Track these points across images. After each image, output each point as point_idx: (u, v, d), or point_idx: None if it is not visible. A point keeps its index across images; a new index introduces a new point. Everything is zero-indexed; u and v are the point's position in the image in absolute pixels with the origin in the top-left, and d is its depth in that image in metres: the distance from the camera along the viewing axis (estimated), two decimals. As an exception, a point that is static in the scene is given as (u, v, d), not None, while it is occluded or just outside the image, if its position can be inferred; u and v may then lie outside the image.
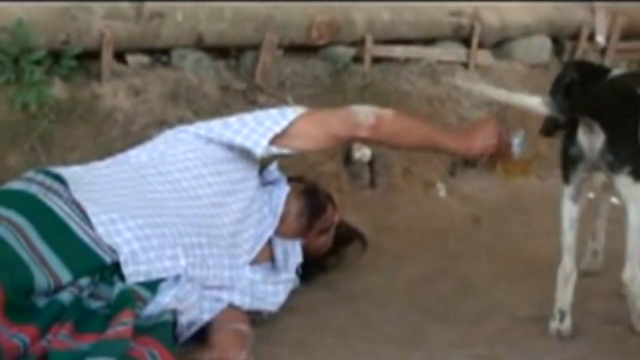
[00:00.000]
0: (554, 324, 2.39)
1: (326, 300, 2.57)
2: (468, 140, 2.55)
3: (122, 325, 1.82)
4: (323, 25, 3.67)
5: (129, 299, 1.94)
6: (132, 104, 3.07)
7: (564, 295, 2.38)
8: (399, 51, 4.01)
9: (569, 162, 2.34)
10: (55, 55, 2.98)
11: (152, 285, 2.08)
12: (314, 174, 3.39)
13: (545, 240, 3.12)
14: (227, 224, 2.36)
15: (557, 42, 4.96)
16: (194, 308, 2.12)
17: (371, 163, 3.61)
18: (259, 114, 2.51)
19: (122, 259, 2.04)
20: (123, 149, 2.68)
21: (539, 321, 2.47)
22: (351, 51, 3.81)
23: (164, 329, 1.97)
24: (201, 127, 2.52)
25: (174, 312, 2.04)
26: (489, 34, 4.43)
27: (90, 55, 3.09)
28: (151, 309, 2.04)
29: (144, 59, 3.24)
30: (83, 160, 2.73)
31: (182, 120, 3.08)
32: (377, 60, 3.93)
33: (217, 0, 3.38)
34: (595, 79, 2.44)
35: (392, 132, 2.51)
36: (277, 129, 2.41)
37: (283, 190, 2.54)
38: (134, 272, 2.05)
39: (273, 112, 2.52)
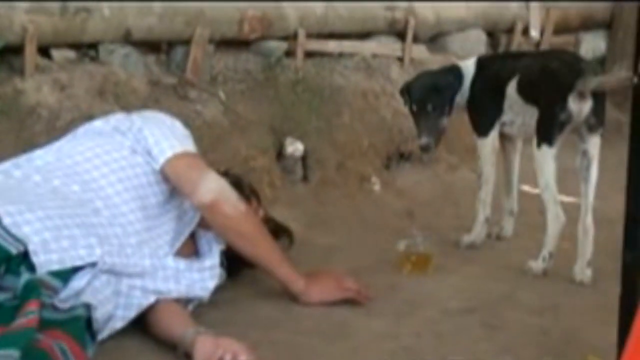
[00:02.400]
0: (540, 264, 2.76)
1: (251, 295, 2.51)
2: (307, 285, 2.42)
3: (27, 316, 1.75)
4: (255, 20, 3.62)
5: (34, 289, 1.85)
6: (57, 99, 2.98)
7: (556, 241, 2.75)
8: (332, 45, 3.97)
9: (558, 127, 2.71)
10: (-24, 50, 2.89)
11: (65, 274, 1.99)
12: (246, 168, 3.33)
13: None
14: (141, 218, 2.29)
15: (493, 36, 4.98)
16: (108, 301, 2.04)
17: (304, 158, 3.57)
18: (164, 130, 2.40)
19: (31, 248, 1.95)
20: (47, 144, 2.59)
21: (469, 313, 2.45)
22: (283, 45, 3.76)
23: (76, 323, 1.89)
24: (110, 120, 2.44)
25: (88, 307, 1.96)
26: (424, 28, 4.42)
27: (14, 50, 2.99)
28: (66, 294, 1.95)
29: (70, 54, 3.15)
30: (4, 155, 2.63)
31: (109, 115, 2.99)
32: (310, 54, 3.88)
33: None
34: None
35: (224, 225, 2.33)
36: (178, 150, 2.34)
37: None
38: (45, 261, 1.95)
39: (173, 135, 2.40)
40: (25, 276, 1.90)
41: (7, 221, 1.96)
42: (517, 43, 4.97)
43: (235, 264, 2.54)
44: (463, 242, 3.07)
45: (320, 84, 3.81)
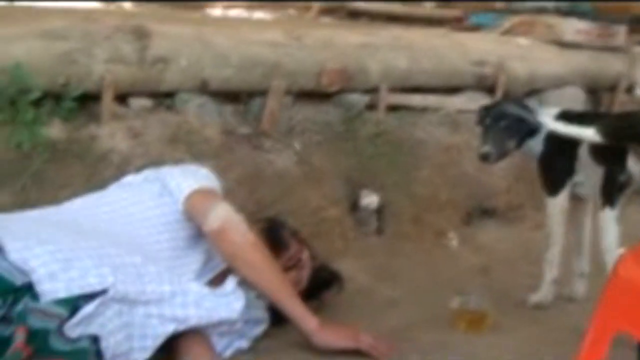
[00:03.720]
0: None
1: (293, 345, 2.43)
2: (320, 327, 2.34)
3: (15, 342, 1.76)
4: (334, 73, 3.60)
5: (20, 316, 1.85)
6: (129, 145, 3.03)
7: None
8: (416, 99, 3.90)
9: (618, 188, 2.66)
10: (56, 97, 2.98)
11: (72, 302, 1.96)
12: (316, 219, 3.30)
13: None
14: (166, 248, 2.29)
15: (594, 94, 4.81)
16: (118, 331, 2.01)
17: (379, 210, 3.50)
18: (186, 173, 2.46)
19: (34, 277, 1.93)
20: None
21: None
22: (365, 98, 3.72)
23: (79, 355, 1.87)
24: (141, 174, 2.54)
25: (95, 340, 1.95)
26: (516, 84, 4.30)
27: (93, 98, 3.08)
28: (74, 321, 1.93)
29: (147, 102, 3.20)
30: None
31: (179, 163, 3.02)
32: (393, 108, 3.83)
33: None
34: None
35: (230, 253, 2.30)
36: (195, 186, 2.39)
37: None
38: (50, 290, 1.93)
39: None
40: (19, 306, 1.90)
41: (13, 256, 1.96)
42: (620, 101, 4.78)
43: (276, 316, 2.49)
44: (530, 302, 2.93)
45: (401, 137, 3.75)
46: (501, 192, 3.85)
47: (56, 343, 1.86)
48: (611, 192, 2.66)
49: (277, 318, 2.48)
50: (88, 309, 1.96)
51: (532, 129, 2.88)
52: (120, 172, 2.96)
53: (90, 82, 3.02)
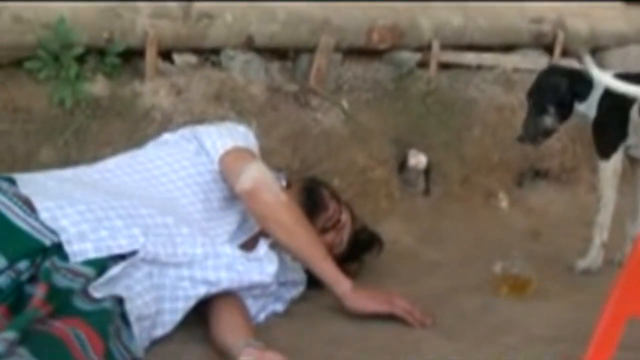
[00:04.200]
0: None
1: (329, 309, 2.36)
2: (354, 289, 2.25)
3: (33, 299, 1.73)
4: (385, 30, 3.49)
5: (46, 274, 1.81)
6: (172, 102, 2.98)
7: None
8: (470, 57, 3.78)
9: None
10: (100, 53, 2.94)
11: (101, 262, 1.92)
12: (363, 180, 3.22)
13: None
14: (201, 209, 2.23)
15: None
16: (147, 293, 1.97)
17: (427, 171, 3.41)
18: (222, 131, 2.39)
19: (64, 237, 1.89)
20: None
21: (553, 343, 2.21)
22: (416, 56, 3.61)
23: (100, 316, 1.81)
24: (178, 132, 2.48)
25: (120, 301, 1.91)
26: (576, 42, 4.13)
27: (136, 54, 3.03)
28: (100, 282, 1.88)
29: (192, 58, 3.14)
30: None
31: (223, 121, 2.97)
32: (445, 66, 3.72)
33: (270, 0, 3.28)
34: None
35: (262, 213, 2.22)
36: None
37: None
38: (79, 250, 1.89)
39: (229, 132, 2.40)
40: (45, 264, 1.86)
41: (44, 215, 1.93)
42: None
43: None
44: (578, 267, 2.82)
45: (453, 96, 3.63)
46: (555, 154, 3.71)
47: (79, 302, 1.82)
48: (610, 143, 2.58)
49: (316, 280, 2.42)
50: (115, 270, 1.92)
51: (574, 94, 2.79)
52: (162, 129, 2.92)
53: (133, 38, 2.98)
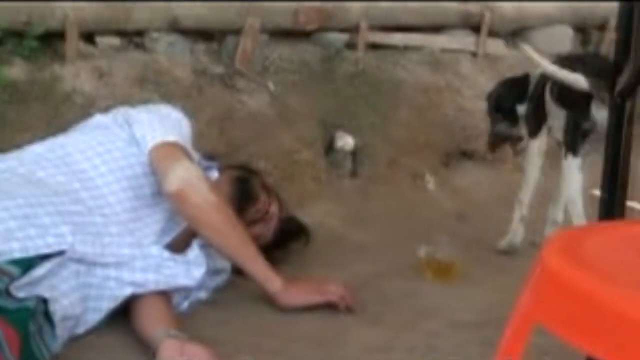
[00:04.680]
0: None
1: (255, 297, 2.34)
2: (285, 286, 2.21)
3: None
4: (312, 11, 3.45)
5: None
6: (95, 86, 2.90)
7: None
8: (397, 38, 3.76)
9: (581, 136, 2.56)
10: (18, 36, 2.85)
11: (27, 262, 1.86)
12: (289, 162, 3.19)
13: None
14: (128, 208, 2.18)
15: (584, 33, 4.65)
16: (73, 292, 1.92)
17: (354, 153, 3.39)
18: (153, 120, 2.30)
19: None
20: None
21: (476, 328, 2.22)
22: (344, 37, 3.58)
23: (20, 313, 1.75)
24: (111, 113, 2.36)
25: (44, 301, 1.86)
26: (502, 22, 4.14)
27: (57, 37, 2.94)
28: (22, 282, 1.82)
29: (115, 41, 3.07)
30: (34, 142, 2.58)
31: (147, 104, 2.90)
32: (373, 47, 3.69)
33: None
34: None
35: (191, 215, 2.17)
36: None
37: (211, 177, 2.36)
38: (5, 250, 1.83)
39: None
40: None
41: None
42: (609, 40, 4.62)
43: None
44: (500, 246, 2.86)
45: (381, 77, 3.61)
46: (482, 134, 3.70)
47: (1, 301, 1.76)
48: (574, 139, 2.58)
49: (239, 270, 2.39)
50: (39, 272, 1.86)
51: (510, 99, 2.93)
52: (84, 114, 2.83)
53: (53, 20, 2.90)
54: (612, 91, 1.51)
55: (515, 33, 4.29)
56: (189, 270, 2.20)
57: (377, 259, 2.75)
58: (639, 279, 0.88)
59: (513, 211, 2.87)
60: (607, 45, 4.55)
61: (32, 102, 2.79)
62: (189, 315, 2.25)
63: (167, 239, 2.25)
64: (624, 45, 1.54)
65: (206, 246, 2.27)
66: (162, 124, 2.27)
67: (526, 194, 2.85)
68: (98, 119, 2.36)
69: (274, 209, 2.48)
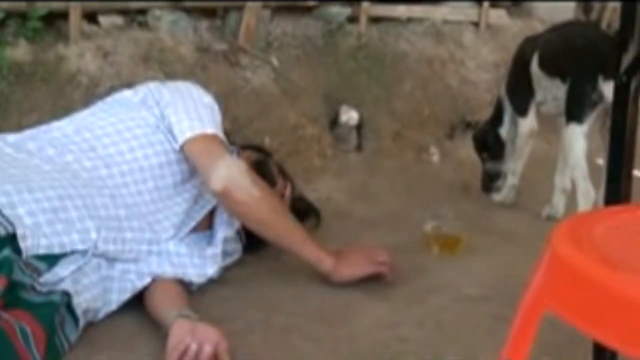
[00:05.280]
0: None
1: (263, 274, 2.36)
2: (336, 263, 2.24)
3: None
4: (314, -15, 3.45)
5: (5, 265, 1.75)
6: (99, 65, 2.90)
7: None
8: (400, 10, 3.75)
9: (589, 106, 2.61)
10: (22, 17, 2.84)
11: (52, 258, 1.90)
12: (294, 137, 3.19)
13: (524, 213, 2.91)
14: (148, 201, 2.17)
15: (586, 1, 4.64)
16: (94, 286, 1.94)
17: (359, 127, 3.39)
18: (189, 107, 2.24)
19: (20, 232, 1.85)
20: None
21: (483, 302, 2.23)
22: (346, 11, 3.57)
23: (46, 308, 1.78)
24: (140, 91, 2.28)
25: (67, 295, 1.88)
26: (505, -7, 4.13)
27: (60, 17, 2.94)
28: (47, 278, 1.86)
29: (118, 20, 3.07)
30: (40, 123, 2.58)
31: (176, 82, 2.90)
32: (375, 20, 3.68)
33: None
34: None
35: (239, 212, 2.19)
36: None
37: None
38: (32, 246, 1.86)
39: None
40: (4, 253, 1.82)
41: (2, 200, 1.86)
42: (612, 8, 4.60)
43: (253, 240, 2.41)
44: (495, 199, 3.07)
45: (383, 50, 3.61)
46: (485, 105, 3.72)
47: (26, 295, 1.78)
48: (581, 108, 2.62)
49: (250, 246, 2.41)
50: (64, 271, 1.89)
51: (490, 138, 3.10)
52: (89, 94, 2.86)
53: (56, 0, 2.88)
54: (617, 69, 1.50)
55: (517, 2, 4.28)
56: (203, 268, 2.23)
57: (384, 234, 2.76)
58: (647, 265, 0.89)
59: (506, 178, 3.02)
60: (610, 13, 4.54)
61: (37, 83, 2.79)
62: (199, 292, 2.27)
63: (187, 229, 2.26)
64: (627, 21, 1.53)
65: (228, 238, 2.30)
66: (198, 112, 2.21)
67: (517, 166, 3.00)
68: (126, 95, 2.29)
69: (288, 192, 2.50)
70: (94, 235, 1.99)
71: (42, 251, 1.89)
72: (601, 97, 2.57)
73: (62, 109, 2.76)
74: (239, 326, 2.06)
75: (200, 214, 2.31)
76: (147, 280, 2.12)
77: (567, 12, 4.39)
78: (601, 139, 2.72)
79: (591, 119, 2.65)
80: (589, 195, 2.65)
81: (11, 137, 2.15)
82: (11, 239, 1.86)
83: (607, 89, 2.54)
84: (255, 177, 2.22)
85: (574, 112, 2.63)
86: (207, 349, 1.81)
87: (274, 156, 2.60)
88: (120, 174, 2.15)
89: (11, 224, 1.86)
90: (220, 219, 2.35)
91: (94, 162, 2.14)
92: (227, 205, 2.20)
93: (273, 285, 2.31)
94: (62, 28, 2.94)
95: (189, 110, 2.22)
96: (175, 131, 2.20)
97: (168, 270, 2.17)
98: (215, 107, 2.32)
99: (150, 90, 2.28)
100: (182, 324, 1.90)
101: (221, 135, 2.25)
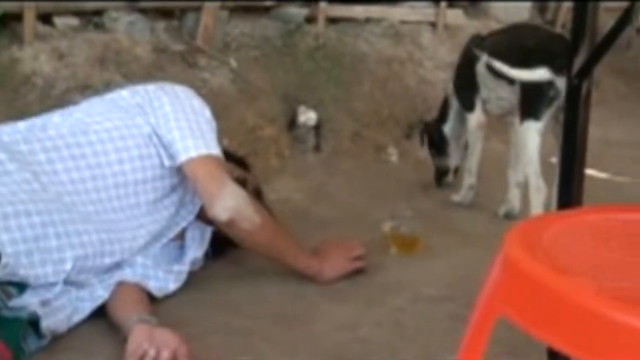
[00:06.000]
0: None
1: (227, 276, 2.36)
2: (320, 266, 2.33)
3: None
4: (271, -15, 3.45)
5: None
6: (54, 67, 2.88)
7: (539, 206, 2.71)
8: (358, 11, 3.76)
9: (546, 103, 2.69)
10: (-25, 19, 2.81)
11: (24, 286, 1.92)
12: (253, 138, 3.20)
13: (482, 212, 2.95)
14: (130, 217, 2.17)
15: (541, 2, 4.69)
16: (55, 315, 1.93)
17: (318, 127, 3.40)
18: (192, 123, 2.20)
19: (3, 261, 1.86)
20: (39, 114, 2.48)
21: (442, 302, 2.25)
22: (304, 11, 3.58)
23: (12, 326, 1.79)
24: (137, 94, 2.23)
25: (34, 314, 1.86)
26: (459, -6, 4.17)
27: (14, 18, 2.91)
28: (15, 302, 1.87)
29: (74, 21, 3.04)
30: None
31: (109, 85, 2.89)
32: (333, 20, 3.69)
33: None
34: None
35: (240, 239, 2.24)
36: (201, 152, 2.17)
37: None
38: (10, 274, 1.88)
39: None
40: None
41: None
42: (567, 8, 4.67)
43: (219, 243, 2.41)
44: (452, 199, 3.09)
45: (342, 50, 3.62)
46: (443, 105, 3.75)
47: None
48: (537, 106, 2.70)
49: (213, 252, 2.42)
50: (31, 300, 1.89)
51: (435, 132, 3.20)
52: (44, 95, 2.84)
53: (10, 2, 2.85)
54: (569, 71, 1.53)
55: (474, 2, 4.32)
56: (166, 283, 2.22)
57: (342, 234, 2.76)
58: (597, 269, 0.91)
59: (462, 178, 3.08)
60: (565, 14, 4.60)
61: (-9, 86, 2.76)
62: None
63: (158, 245, 2.26)
64: (579, 25, 1.55)
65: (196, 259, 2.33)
66: (201, 129, 2.18)
67: (472, 163, 3.04)
68: (123, 95, 2.23)
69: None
70: (68, 267, 2.00)
71: (16, 279, 1.91)
72: (557, 93, 2.64)
73: (17, 111, 2.73)
74: (198, 329, 2.06)
75: (174, 232, 2.31)
76: (112, 288, 2.12)
77: (522, 12, 4.44)
78: (554, 137, 2.76)
79: (547, 116, 2.72)
80: (540, 191, 2.70)
81: (6, 133, 2.11)
82: None
83: (561, 84, 2.61)
84: (255, 203, 2.25)
85: (531, 109, 2.69)
86: (165, 355, 1.81)
87: (253, 170, 2.58)
88: (105, 188, 2.14)
89: None
90: (193, 235, 2.35)
91: (81, 173, 2.11)
92: (230, 232, 2.22)
93: (233, 288, 2.32)
94: (16, 29, 2.92)
95: (192, 127, 2.18)
96: (176, 147, 2.16)
97: (130, 277, 2.17)
98: (213, 121, 2.29)
99: (148, 94, 2.23)
100: (141, 329, 1.90)
101: (222, 155, 2.24)
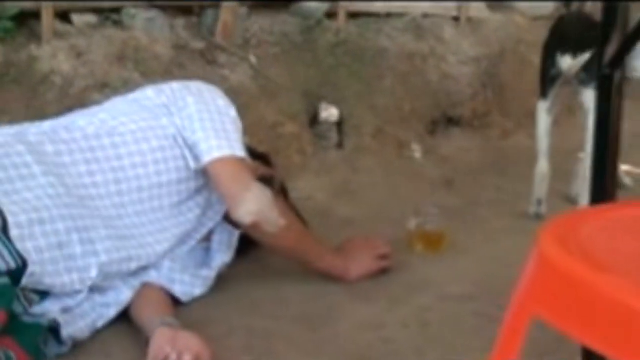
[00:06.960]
0: (533, 209, 2.86)
1: (247, 276, 2.32)
2: (345, 266, 2.30)
3: None
4: (291, -20, 3.41)
5: (5, 295, 1.75)
6: (73, 66, 2.85)
7: (541, 189, 2.85)
8: (378, 6, 3.72)
9: (549, 80, 2.85)
10: (-7, 17, 2.79)
11: (46, 293, 1.91)
12: (274, 136, 3.16)
13: (510, 206, 2.90)
14: (154, 220, 2.14)
15: (566, -7, 4.62)
16: (76, 322, 1.91)
17: (339, 123, 3.36)
18: (216, 124, 2.16)
19: (30, 269, 1.84)
20: (58, 113, 2.46)
21: (468, 301, 2.21)
22: (324, 6, 3.54)
23: (32, 332, 1.77)
24: (163, 94, 2.19)
25: (54, 321, 1.84)
26: (484, -15, 4.11)
27: (32, 16, 2.89)
28: (36, 310, 1.86)
29: (91, 18, 3.02)
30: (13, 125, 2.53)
31: (127, 83, 2.87)
32: (354, 15, 3.65)
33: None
34: None
35: (264, 241, 2.22)
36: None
37: None
38: (34, 282, 1.86)
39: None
40: (4, 281, 1.79)
41: (14, 233, 1.84)
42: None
43: (242, 243, 2.37)
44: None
45: (363, 46, 3.57)
46: (467, 100, 3.71)
47: (15, 322, 1.76)
48: (542, 84, 2.85)
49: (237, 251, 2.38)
50: (53, 308, 1.88)
51: None
52: (63, 94, 2.82)
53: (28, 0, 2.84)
54: (600, 60, 1.48)
55: (497, -5, 4.26)
56: (192, 288, 2.20)
57: (366, 232, 2.72)
58: (635, 265, 0.86)
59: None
60: (591, 5, 4.52)
61: (10, 85, 2.74)
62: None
63: (186, 248, 2.24)
64: (610, 13, 1.51)
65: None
66: (226, 129, 2.15)
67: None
68: (149, 95, 2.21)
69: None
70: (94, 274, 1.97)
71: (42, 288, 1.90)
72: (560, 72, 2.78)
73: (35, 111, 2.71)
74: (220, 330, 2.03)
75: (201, 233, 2.28)
76: (137, 288, 2.10)
77: (548, 5, 4.37)
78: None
79: (553, 94, 2.84)
80: (540, 168, 2.85)
81: (32, 133, 2.07)
82: (12, 273, 1.84)
83: (564, 63, 2.77)
84: (280, 205, 2.21)
85: (541, 87, 2.86)
86: (187, 359, 1.78)
87: (278, 169, 2.55)
88: (128, 191, 2.10)
89: (23, 260, 1.85)
90: (221, 239, 2.31)
91: (106, 176, 2.08)
92: (254, 235, 2.20)
93: (254, 287, 2.29)
94: (35, 28, 2.90)
95: (216, 128, 2.15)
96: (201, 148, 2.12)
97: (155, 279, 2.14)
98: (239, 120, 2.26)
99: (174, 93, 2.20)
100: (163, 332, 1.87)
101: (246, 156, 2.20)
